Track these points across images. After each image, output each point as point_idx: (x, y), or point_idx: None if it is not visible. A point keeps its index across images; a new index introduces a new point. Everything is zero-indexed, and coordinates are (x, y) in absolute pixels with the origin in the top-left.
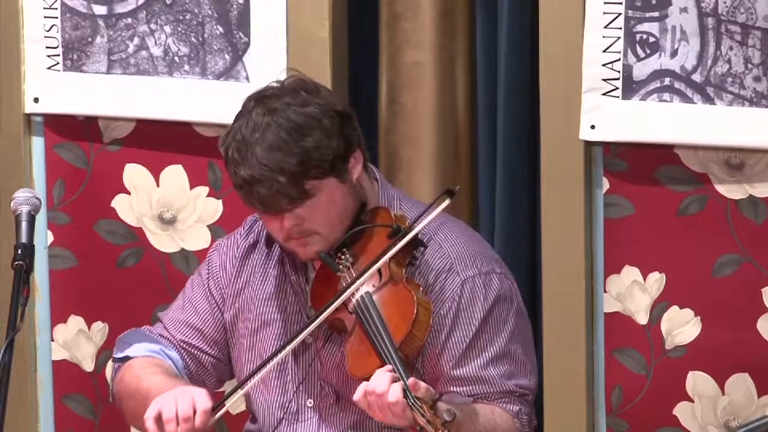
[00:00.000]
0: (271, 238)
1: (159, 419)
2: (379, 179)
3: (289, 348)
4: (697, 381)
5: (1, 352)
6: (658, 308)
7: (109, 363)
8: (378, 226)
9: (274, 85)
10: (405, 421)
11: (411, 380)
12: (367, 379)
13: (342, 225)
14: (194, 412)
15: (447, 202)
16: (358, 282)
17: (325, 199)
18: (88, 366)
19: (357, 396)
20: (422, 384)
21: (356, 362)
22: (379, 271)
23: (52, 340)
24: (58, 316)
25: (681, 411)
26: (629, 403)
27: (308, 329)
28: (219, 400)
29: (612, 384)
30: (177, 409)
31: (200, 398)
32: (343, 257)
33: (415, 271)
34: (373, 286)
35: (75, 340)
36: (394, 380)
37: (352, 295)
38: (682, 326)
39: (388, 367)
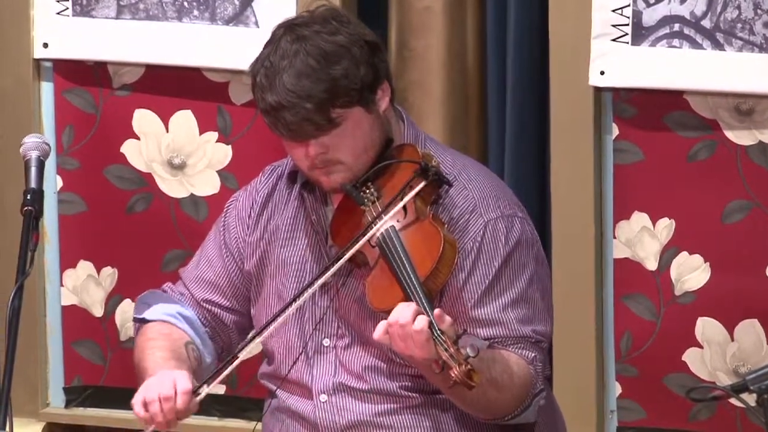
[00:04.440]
0: (292, 177)
1: (144, 403)
2: (405, 119)
3: (310, 291)
4: (707, 327)
5: (10, 297)
6: (667, 254)
7: (119, 308)
8: (405, 161)
9: (304, 14)
10: (427, 353)
11: (437, 311)
12: (388, 312)
13: (367, 156)
14: (175, 393)
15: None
16: (386, 216)
17: (351, 129)
18: (98, 311)
19: (378, 332)
20: (447, 317)
21: (377, 294)
22: (404, 207)
23: (62, 285)
24: (67, 262)
25: (690, 357)
26: (638, 350)
27: (334, 267)
28: (198, 384)
29: (621, 330)
30: (159, 391)
31: (181, 380)
32: (368, 191)
33: (439, 209)
34: (398, 221)
35: (84, 286)
36: (418, 313)
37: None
38: (691, 272)
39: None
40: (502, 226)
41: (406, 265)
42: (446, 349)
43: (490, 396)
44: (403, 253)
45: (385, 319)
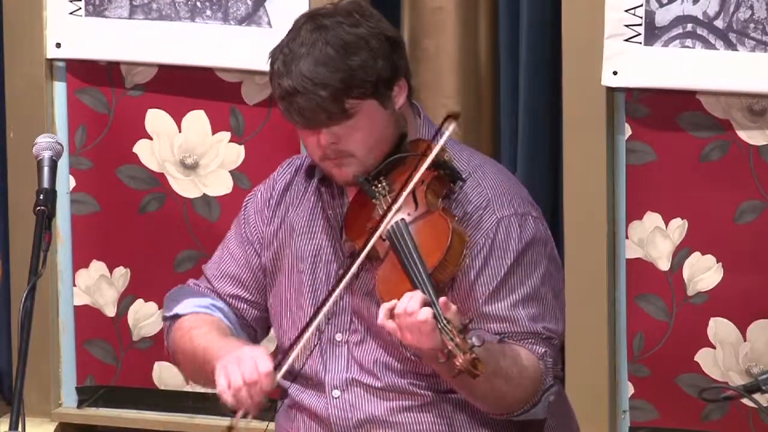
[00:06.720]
0: (310, 172)
1: (230, 387)
2: (422, 115)
3: (341, 286)
4: (719, 327)
5: (23, 297)
6: (680, 254)
7: (131, 308)
8: (416, 155)
9: (328, 5)
10: (433, 342)
11: (442, 299)
12: None
13: (379, 150)
14: (259, 375)
15: (453, 125)
16: (395, 208)
17: (365, 122)
18: (110, 311)
19: (381, 317)
20: (453, 306)
21: (387, 287)
22: (415, 200)
23: (74, 285)
24: (80, 262)
25: (703, 357)
26: (651, 350)
27: (354, 267)
28: (276, 360)
29: (634, 330)
30: (243, 375)
31: (262, 361)
32: (379, 185)
33: (453, 204)
34: (408, 214)
35: (97, 286)
36: (425, 303)
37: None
38: (703, 272)
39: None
40: (515, 224)
41: (414, 257)
42: (452, 339)
43: (498, 388)
44: (411, 245)
45: None
